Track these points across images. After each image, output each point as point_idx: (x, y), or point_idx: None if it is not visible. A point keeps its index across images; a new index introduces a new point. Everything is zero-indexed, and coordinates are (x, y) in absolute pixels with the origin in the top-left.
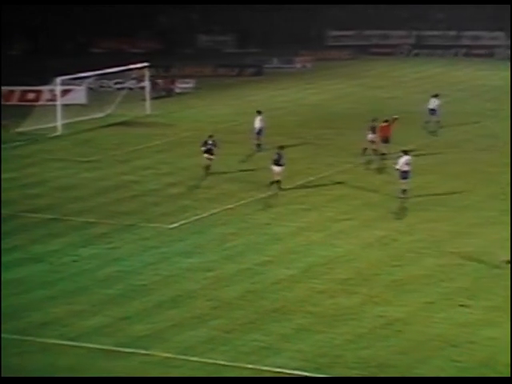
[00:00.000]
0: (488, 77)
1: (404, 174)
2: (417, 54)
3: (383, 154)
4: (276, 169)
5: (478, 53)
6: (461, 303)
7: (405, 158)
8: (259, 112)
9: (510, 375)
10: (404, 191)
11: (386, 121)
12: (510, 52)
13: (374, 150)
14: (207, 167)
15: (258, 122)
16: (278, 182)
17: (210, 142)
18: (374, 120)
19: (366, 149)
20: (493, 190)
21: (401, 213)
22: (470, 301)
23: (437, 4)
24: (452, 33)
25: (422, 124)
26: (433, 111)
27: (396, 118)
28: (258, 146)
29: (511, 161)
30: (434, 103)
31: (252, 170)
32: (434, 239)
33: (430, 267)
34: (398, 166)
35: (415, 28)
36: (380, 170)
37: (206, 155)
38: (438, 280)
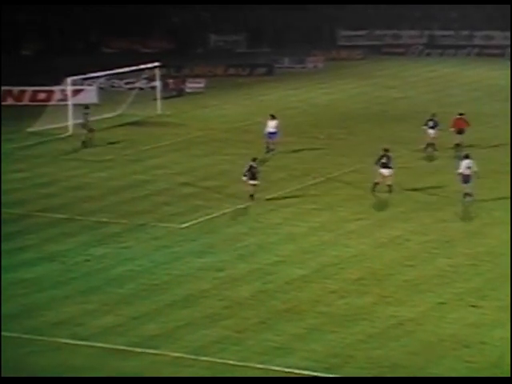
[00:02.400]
0: (500, 77)
1: (466, 178)
2: (429, 54)
3: (457, 145)
4: (385, 171)
5: (491, 52)
6: (473, 304)
7: (466, 162)
8: (273, 116)
9: (510, 375)
10: (467, 195)
11: (461, 114)
12: None
13: (432, 145)
14: (252, 196)
15: (271, 126)
16: (388, 185)
17: (255, 165)
18: (433, 115)
19: (431, 144)
20: (505, 190)
21: (414, 213)
22: (482, 301)
23: (436, 4)
24: (464, 32)
25: None
26: None
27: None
28: (267, 148)
29: (511, 161)
30: None
31: (264, 170)
32: (447, 239)
33: (443, 267)
34: (460, 170)
35: (427, 28)
36: (395, 170)
37: (251, 182)
38: (450, 280)
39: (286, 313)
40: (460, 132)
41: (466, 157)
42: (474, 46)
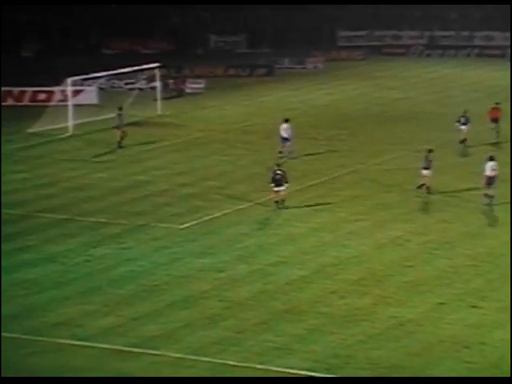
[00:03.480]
0: (500, 77)
1: (490, 180)
2: (429, 55)
3: (494, 144)
4: (425, 172)
5: (491, 53)
6: (473, 304)
7: (490, 164)
8: (286, 120)
9: (510, 375)
10: (490, 197)
11: (497, 103)
12: None
13: (463, 141)
14: (283, 201)
15: (284, 130)
16: (427, 186)
17: (280, 172)
18: (465, 112)
19: (465, 139)
20: (506, 191)
21: (414, 213)
22: (482, 302)
23: (436, 4)
24: (465, 33)
25: None
26: None
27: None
28: (281, 153)
29: (511, 161)
30: None
31: (264, 170)
32: (447, 240)
33: (443, 268)
34: (486, 173)
35: (427, 28)
36: (395, 171)
37: (277, 188)
38: (450, 281)
39: (286, 313)
40: (495, 120)
41: (491, 159)
42: (474, 47)
